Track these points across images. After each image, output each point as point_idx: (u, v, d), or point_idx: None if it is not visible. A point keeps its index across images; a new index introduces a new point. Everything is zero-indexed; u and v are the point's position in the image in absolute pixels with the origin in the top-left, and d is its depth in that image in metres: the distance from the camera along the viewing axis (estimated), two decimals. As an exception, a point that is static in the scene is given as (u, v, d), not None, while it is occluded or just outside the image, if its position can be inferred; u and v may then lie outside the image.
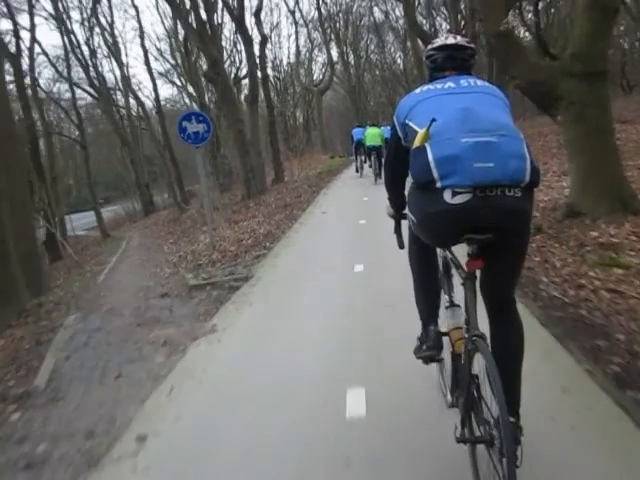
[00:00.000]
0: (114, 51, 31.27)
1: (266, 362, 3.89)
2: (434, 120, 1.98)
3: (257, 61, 20.77)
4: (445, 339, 2.44)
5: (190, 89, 26.22)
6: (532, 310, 4.21)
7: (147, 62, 27.51)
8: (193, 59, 24.75)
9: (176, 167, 26.64)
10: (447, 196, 1.92)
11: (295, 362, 3.78)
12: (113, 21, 30.71)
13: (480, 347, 1.97)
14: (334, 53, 41.68)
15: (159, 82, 72.56)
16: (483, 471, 2.03)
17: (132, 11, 66.30)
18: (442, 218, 1.97)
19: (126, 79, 31.07)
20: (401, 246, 2.73)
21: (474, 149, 1.89)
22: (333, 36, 40.41)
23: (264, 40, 21.18)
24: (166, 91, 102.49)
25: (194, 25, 18.40)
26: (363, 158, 17.60)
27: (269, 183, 21.25)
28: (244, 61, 23.62)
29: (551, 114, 7.44)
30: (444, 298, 2.56)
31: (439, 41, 2.41)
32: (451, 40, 2.37)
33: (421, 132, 2.02)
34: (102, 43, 29.20)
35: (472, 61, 2.39)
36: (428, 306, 2.47)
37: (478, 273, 2.19)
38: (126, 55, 66.71)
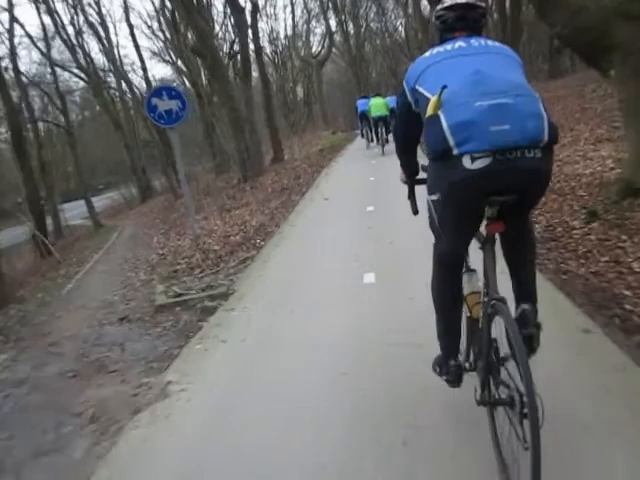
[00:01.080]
0: (102, 30, 29.46)
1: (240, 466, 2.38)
2: (445, 87, 1.90)
3: (249, 31, 18.98)
4: None
5: (181, 66, 24.35)
6: (628, 352, 2.73)
7: (134, 39, 25.71)
8: (182, 32, 22.84)
9: (170, 149, 24.93)
10: (466, 162, 1.84)
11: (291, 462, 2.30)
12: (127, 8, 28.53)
13: (501, 311, 1.92)
14: (332, 23, 39.50)
15: (152, 61, 70.24)
16: (503, 432, 1.97)
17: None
18: (465, 185, 1.89)
19: (113, 59, 29.29)
20: (415, 212, 2.62)
21: (489, 112, 1.82)
22: (331, 5, 38.16)
23: (255, 8, 19.31)
24: (161, 70, 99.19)
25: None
26: (369, 130, 16.83)
27: (268, 163, 19.65)
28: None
29: (601, 69, 5.83)
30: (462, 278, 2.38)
31: (450, 0, 2.22)
32: None
33: (433, 100, 1.93)
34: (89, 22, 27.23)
35: (483, 21, 2.26)
36: (450, 340, 2.31)
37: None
38: (116, 35, 63.86)
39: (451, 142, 1.85)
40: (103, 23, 29.33)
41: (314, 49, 40.77)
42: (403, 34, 41.19)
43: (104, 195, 35.59)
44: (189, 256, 7.29)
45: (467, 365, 2.33)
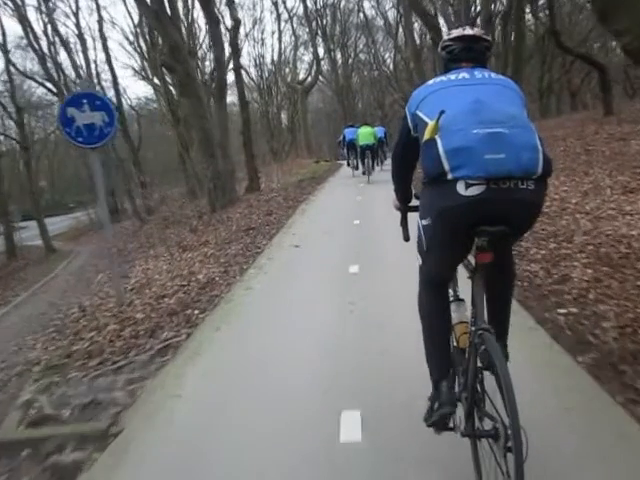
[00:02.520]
0: (80, 43, 27.51)
1: None
2: (443, 112, 1.88)
3: (228, 48, 17.15)
4: None
5: (157, 82, 22.35)
6: None
7: (106, 51, 23.64)
8: (160, 48, 20.92)
9: (140, 170, 22.75)
10: (460, 188, 1.81)
11: None
12: (101, 17, 26.56)
13: (487, 341, 1.88)
14: (321, 51, 38.10)
15: (133, 80, 67.89)
16: (485, 466, 1.92)
17: None
18: (457, 211, 1.86)
19: (89, 73, 27.25)
20: (406, 238, 2.55)
21: (485, 140, 1.79)
22: (320, 32, 36.81)
23: (237, 24, 17.44)
24: (142, 89, 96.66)
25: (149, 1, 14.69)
26: (355, 158, 16.53)
27: (242, 191, 17.58)
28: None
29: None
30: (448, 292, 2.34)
31: (457, 32, 2.24)
32: (469, 31, 2.23)
33: (431, 124, 1.91)
34: (64, 33, 25.26)
35: (488, 54, 2.26)
36: (440, 361, 2.18)
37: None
38: (94, 49, 61.50)
39: (446, 166, 1.82)
40: (81, 35, 27.46)
41: (301, 76, 39.23)
42: (391, 66, 40.02)
43: (72, 215, 33.14)
44: (101, 326, 5.11)
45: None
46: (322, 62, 38.12)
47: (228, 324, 4.43)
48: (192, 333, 4.38)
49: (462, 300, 2.34)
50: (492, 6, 13.38)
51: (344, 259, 6.07)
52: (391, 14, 33.97)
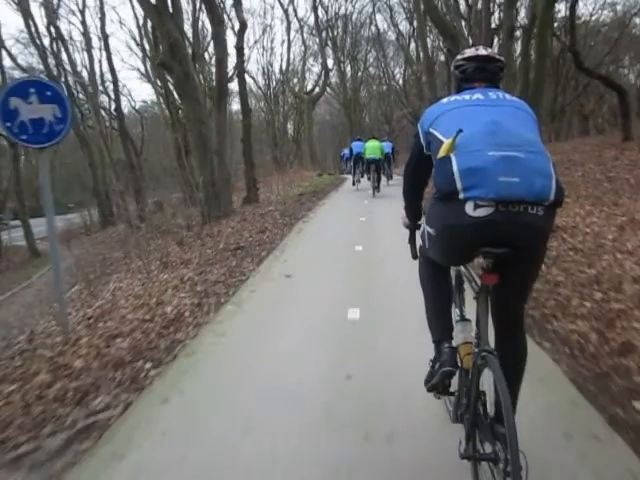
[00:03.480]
0: (85, 42, 26.60)
1: None
2: (461, 131, 1.86)
3: (230, 50, 16.10)
4: None
5: (159, 83, 21.34)
6: None
7: (107, 49, 22.64)
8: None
9: (134, 173, 21.67)
10: (469, 208, 1.80)
11: None
12: (103, 13, 25.59)
13: (490, 363, 1.86)
14: (330, 62, 37.22)
15: (139, 82, 66.53)
16: None
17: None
18: (462, 230, 1.85)
19: (92, 73, 26.29)
20: (415, 256, 2.53)
21: (500, 163, 1.78)
22: (330, 43, 35.93)
23: (243, 27, 16.41)
24: (150, 91, 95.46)
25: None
26: (361, 172, 16.55)
27: (240, 202, 16.47)
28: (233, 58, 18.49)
29: None
30: (454, 312, 2.39)
31: (470, 51, 2.25)
32: (482, 51, 2.23)
33: (447, 142, 1.89)
34: (67, 30, 24.35)
35: (501, 74, 2.24)
36: (441, 325, 2.24)
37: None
38: (100, 48, 60.62)
39: (459, 185, 1.79)
40: (86, 33, 26.56)
41: (309, 87, 38.29)
42: (401, 81, 39.15)
43: (70, 215, 31.98)
44: (30, 375, 3.96)
45: (454, 415, 2.21)
46: (331, 74, 37.22)
47: (181, 394, 3.24)
48: (131, 403, 3.21)
49: (468, 320, 2.30)
50: (515, 17, 12.35)
51: (342, 298, 4.93)
52: (403, 27, 33.08)
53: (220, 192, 14.03)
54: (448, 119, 1.99)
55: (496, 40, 18.05)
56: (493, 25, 15.52)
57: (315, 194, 15.85)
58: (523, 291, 2.07)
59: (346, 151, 30.07)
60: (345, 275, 5.90)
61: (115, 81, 24.01)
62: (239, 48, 16.30)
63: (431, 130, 2.04)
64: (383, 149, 15.47)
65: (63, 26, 53.11)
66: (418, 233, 2.34)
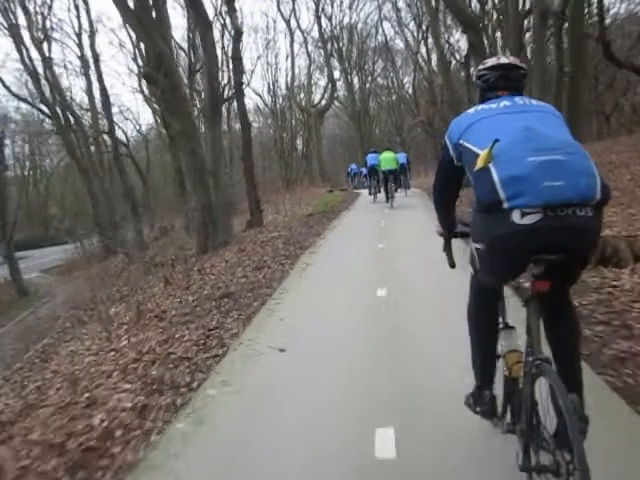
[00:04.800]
0: (82, 65, 25.25)
1: None
2: (497, 140, 1.80)
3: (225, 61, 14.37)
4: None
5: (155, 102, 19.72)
6: None
7: (97, 67, 21.17)
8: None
9: (133, 200, 20.01)
10: (516, 217, 1.73)
11: None
12: (93, 32, 24.24)
13: (546, 372, 1.76)
14: (336, 73, 35.57)
15: (143, 104, 65.37)
16: None
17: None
18: (512, 239, 1.78)
19: (90, 96, 24.87)
20: (452, 265, 2.47)
21: (542, 168, 1.71)
22: (335, 54, 34.31)
23: (238, 34, 14.67)
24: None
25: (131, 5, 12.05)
26: (377, 184, 16.16)
27: (243, 226, 14.65)
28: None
29: None
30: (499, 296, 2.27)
31: (492, 61, 2.20)
32: (504, 60, 2.19)
33: (483, 153, 1.83)
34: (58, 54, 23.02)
35: (524, 81, 2.21)
36: (485, 370, 2.20)
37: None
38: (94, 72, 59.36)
39: (502, 195, 1.74)
40: (82, 57, 25.19)
41: (316, 100, 36.60)
42: (411, 90, 37.36)
43: (69, 246, 30.47)
44: None
45: (505, 426, 2.13)
46: (338, 86, 35.56)
47: None
48: None
49: (512, 328, 2.20)
50: None
51: (361, 403, 2.98)
52: (411, 31, 31.34)
53: (217, 218, 12.21)
54: (479, 129, 1.95)
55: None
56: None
57: (325, 214, 13.91)
58: (569, 285, 2.02)
59: (353, 166, 28.73)
60: (364, 348, 3.93)
61: (107, 102, 22.49)
62: (235, 58, 14.55)
63: (462, 142, 2.00)
64: (398, 160, 15.26)
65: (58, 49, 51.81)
66: (464, 255, 2.19)
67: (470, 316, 2.24)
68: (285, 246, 9.23)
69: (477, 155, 1.85)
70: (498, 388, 2.22)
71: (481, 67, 2.22)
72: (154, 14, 12.53)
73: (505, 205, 1.72)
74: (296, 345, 4.19)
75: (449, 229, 2.41)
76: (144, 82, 21.48)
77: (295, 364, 3.82)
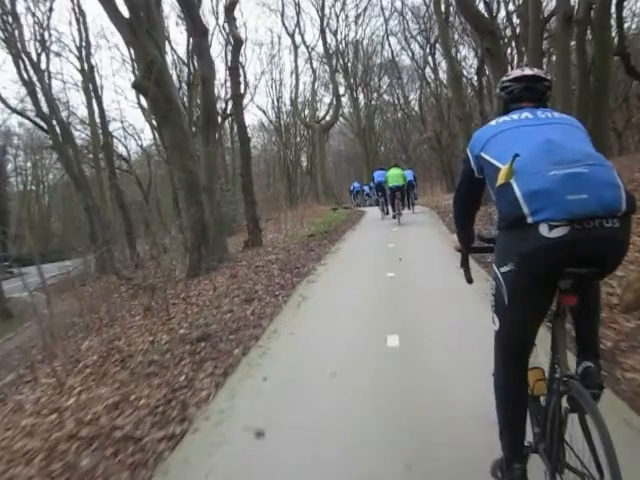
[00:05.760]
0: (82, 78, 24.56)
1: None
2: (517, 155, 1.74)
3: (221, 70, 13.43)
4: None
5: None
6: None
7: (93, 81, 20.34)
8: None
9: (127, 216, 19.02)
10: (544, 230, 1.65)
11: None
12: (89, 43, 23.66)
13: (574, 389, 1.71)
14: (341, 89, 34.77)
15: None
16: None
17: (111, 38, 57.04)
18: (543, 253, 1.68)
19: (91, 113, 24.09)
20: (469, 280, 2.38)
21: (565, 181, 1.65)
22: (341, 69, 33.53)
23: (238, 43, 13.74)
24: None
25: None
26: (385, 201, 15.98)
27: (239, 248, 13.60)
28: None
29: None
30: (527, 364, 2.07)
31: (516, 72, 2.16)
32: (528, 71, 2.13)
33: (504, 169, 1.78)
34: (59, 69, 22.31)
35: (549, 93, 2.13)
36: (513, 442, 1.93)
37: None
38: (101, 87, 58.65)
39: (525, 210, 1.67)
40: (83, 70, 24.49)
41: (320, 116, 35.73)
42: (417, 107, 36.52)
43: (63, 263, 29.42)
44: None
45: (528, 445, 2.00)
46: (343, 102, 34.73)
47: None
48: None
49: (533, 344, 2.05)
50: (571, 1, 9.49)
51: None
52: (418, 48, 30.55)
53: (209, 238, 11.15)
54: (499, 142, 1.90)
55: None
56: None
57: (327, 235, 12.81)
58: (597, 306, 1.97)
59: (356, 184, 27.93)
60: (373, 414, 2.80)
61: (102, 114, 21.67)
62: (233, 68, 13.61)
63: (482, 154, 1.95)
64: (405, 177, 15.01)
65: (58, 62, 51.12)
66: (487, 301, 2.01)
67: (497, 383, 2.00)
68: (281, 273, 8.11)
69: (497, 169, 1.81)
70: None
71: (505, 78, 2.16)
72: (142, 14, 11.54)
73: (529, 220, 1.64)
74: (280, 424, 3.05)
75: (467, 244, 2.33)
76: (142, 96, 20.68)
77: (277, 457, 2.67)
